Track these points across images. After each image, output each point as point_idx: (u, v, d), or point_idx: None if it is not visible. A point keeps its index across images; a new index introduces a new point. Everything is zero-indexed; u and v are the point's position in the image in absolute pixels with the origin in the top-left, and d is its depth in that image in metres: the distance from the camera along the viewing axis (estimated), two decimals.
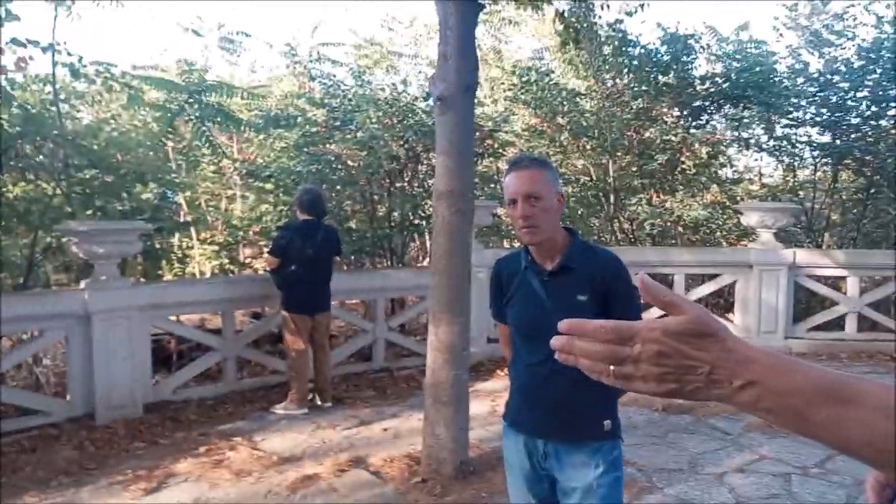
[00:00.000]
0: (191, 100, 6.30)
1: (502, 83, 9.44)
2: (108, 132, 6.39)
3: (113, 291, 4.88)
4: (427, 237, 9.40)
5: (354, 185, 7.18)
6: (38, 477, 4.00)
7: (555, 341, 0.75)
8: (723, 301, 8.39)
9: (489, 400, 5.50)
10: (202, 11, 20.54)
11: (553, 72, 9.23)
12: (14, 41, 4.95)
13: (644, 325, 0.72)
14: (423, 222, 7.97)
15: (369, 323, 6.49)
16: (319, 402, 5.40)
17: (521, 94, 8.59)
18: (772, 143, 9.05)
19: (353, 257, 7.68)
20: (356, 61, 9.77)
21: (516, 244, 9.56)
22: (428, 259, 10.09)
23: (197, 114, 6.50)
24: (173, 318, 5.71)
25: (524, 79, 8.48)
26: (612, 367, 0.72)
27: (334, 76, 8.28)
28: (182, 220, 7.40)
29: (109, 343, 4.85)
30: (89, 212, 5.73)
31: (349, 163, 7.45)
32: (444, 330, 3.87)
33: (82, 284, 4.92)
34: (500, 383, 6.04)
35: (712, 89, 8.37)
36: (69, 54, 5.44)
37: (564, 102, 8.48)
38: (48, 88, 6.07)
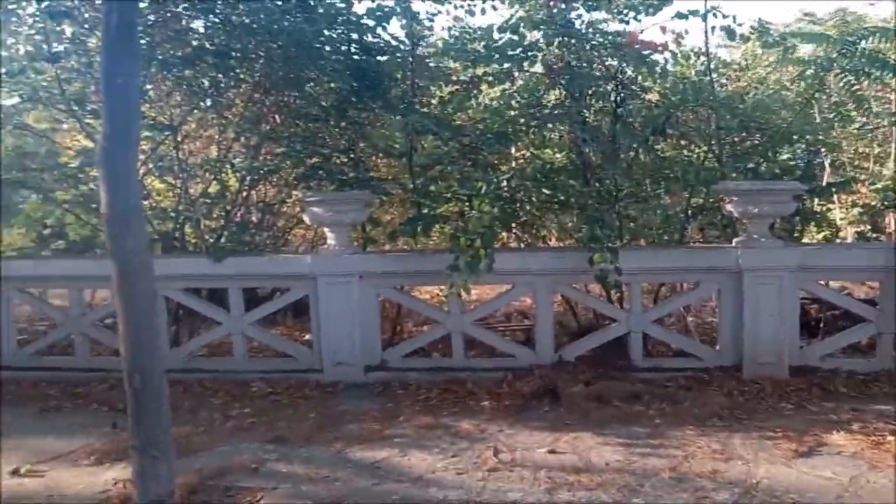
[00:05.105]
0: (844, 51, 5.70)
1: None
2: (753, 96, 6.42)
3: (764, 251, 4.96)
4: None
5: None
6: (694, 413, 4.40)
7: None
8: None
9: None
10: None
11: None
12: (678, 15, 5.41)
13: None
14: None
15: None
16: None
17: None
18: None
19: None
20: None
21: None
22: None
23: (849, 66, 5.84)
24: (822, 282, 5.45)
25: None
26: None
27: None
28: (825, 181, 6.94)
29: (759, 301, 4.96)
30: (734, 174, 5.91)
31: None
32: None
33: (734, 242, 5.15)
34: None
35: None
36: (724, 17, 5.64)
37: None
38: (700, 60, 6.49)
